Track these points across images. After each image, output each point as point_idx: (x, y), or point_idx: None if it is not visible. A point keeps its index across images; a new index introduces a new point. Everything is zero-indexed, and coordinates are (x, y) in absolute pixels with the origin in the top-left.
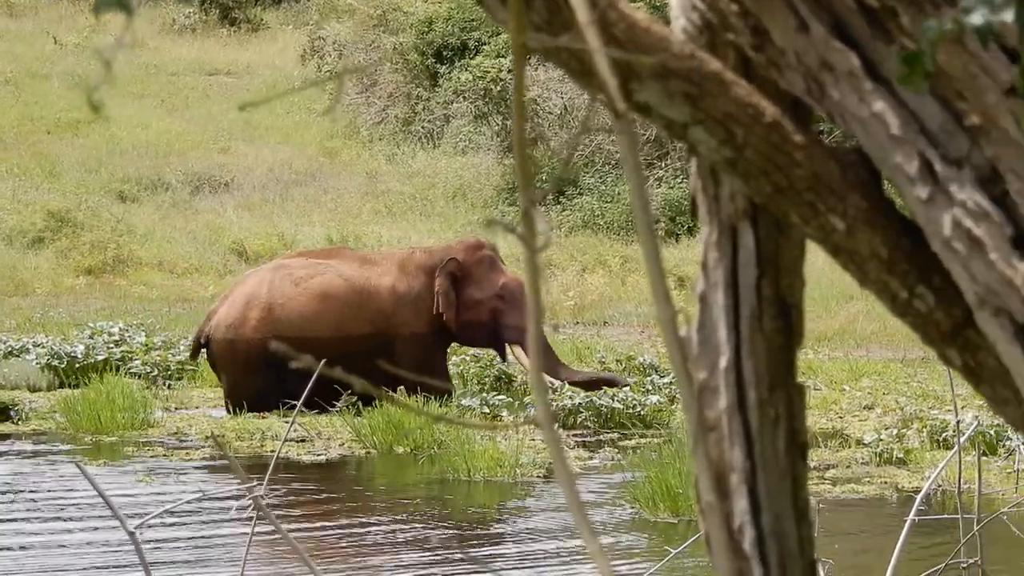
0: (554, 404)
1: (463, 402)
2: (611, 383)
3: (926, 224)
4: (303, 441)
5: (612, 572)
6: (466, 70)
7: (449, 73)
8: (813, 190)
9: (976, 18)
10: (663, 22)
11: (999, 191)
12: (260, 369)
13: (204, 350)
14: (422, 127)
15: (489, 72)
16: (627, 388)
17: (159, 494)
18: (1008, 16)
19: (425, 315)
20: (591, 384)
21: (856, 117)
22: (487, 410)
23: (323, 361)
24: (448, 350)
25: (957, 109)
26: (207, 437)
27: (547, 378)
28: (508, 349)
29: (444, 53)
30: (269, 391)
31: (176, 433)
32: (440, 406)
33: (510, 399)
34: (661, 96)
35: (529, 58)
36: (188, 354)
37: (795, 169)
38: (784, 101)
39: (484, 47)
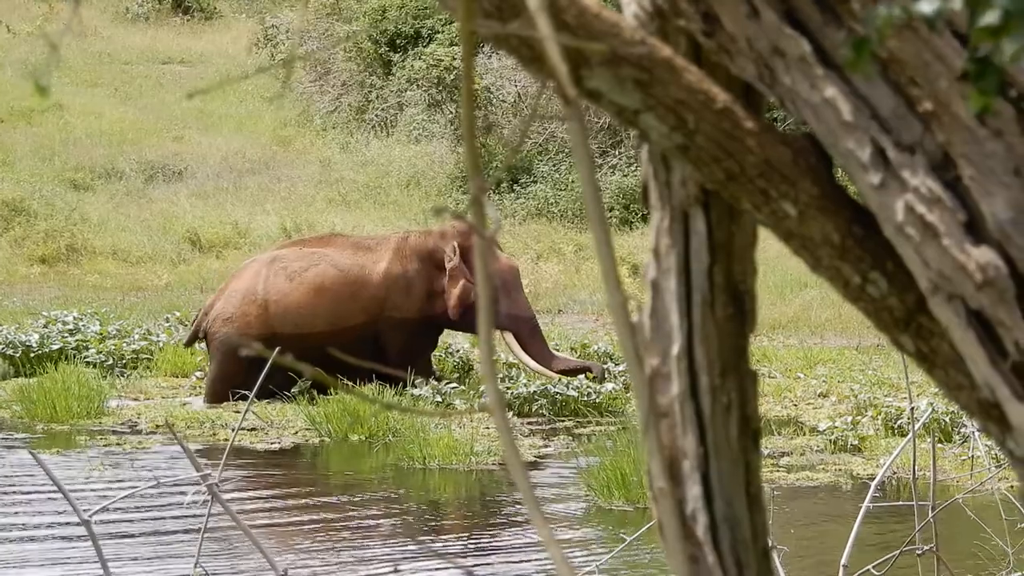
0: (508, 392)
1: (415, 391)
2: (591, 370)
3: (879, 210)
4: (254, 430)
5: (564, 559)
6: (419, 58)
7: (403, 61)
8: (765, 176)
9: (924, 6)
10: (614, 8)
11: (952, 176)
12: (250, 364)
13: (203, 341)
14: (376, 115)
15: (443, 60)
16: (582, 376)
17: (114, 482)
18: (956, 3)
19: (416, 300)
20: (582, 372)
21: (808, 103)
22: (440, 399)
23: (276, 350)
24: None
25: (909, 95)
26: (158, 426)
27: (531, 363)
28: (500, 335)
29: (397, 41)
30: (259, 385)
31: (131, 422)
32: (395, 394)
33: (463, 388)
34: (612, 83)
35: (481, 46)
36: (184, 341)
37: (747, 155)
38: (735, 87)
39: (438, 35)
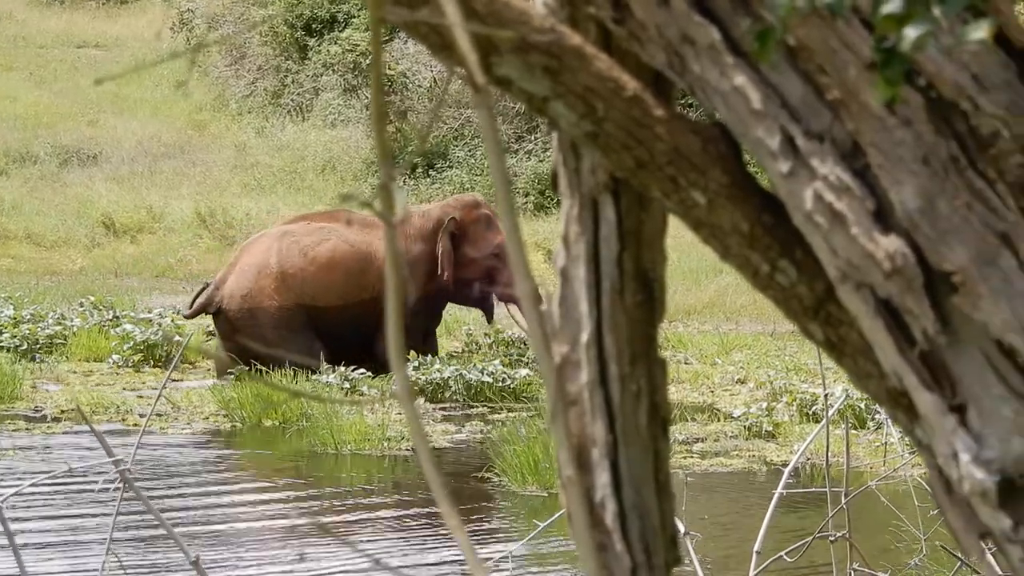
0: (421, 378)
1: (323, 378)
2: None
3: (788, 198)
4: (162, 415)
5: (471, 547)
6: (335, 43)
7: (318, 46)
8: (674, 164)
9: None
10: None
11: (861, 165)
12: (289, 333)
13: (212, 317)
14: (291, 100)
15: (359, 45)
16: (497, 362)
17: (26, 468)
18: None
19: (418, 280)
20: None
21: (717, 91)
22: (347, 385)
23: (189, 337)
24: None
25: (818, 83)
26: (63, 411)
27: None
28: (506, 308)
29: (313, 26)
30: (309, 352)
31: (40, 407)
32: (306, 379)
33: (370, 374)
34: (521, 70)
35: (395, 32)
36: (187, 313)
37: (656, 143)
38: (645, 75)
39: (353, 20)
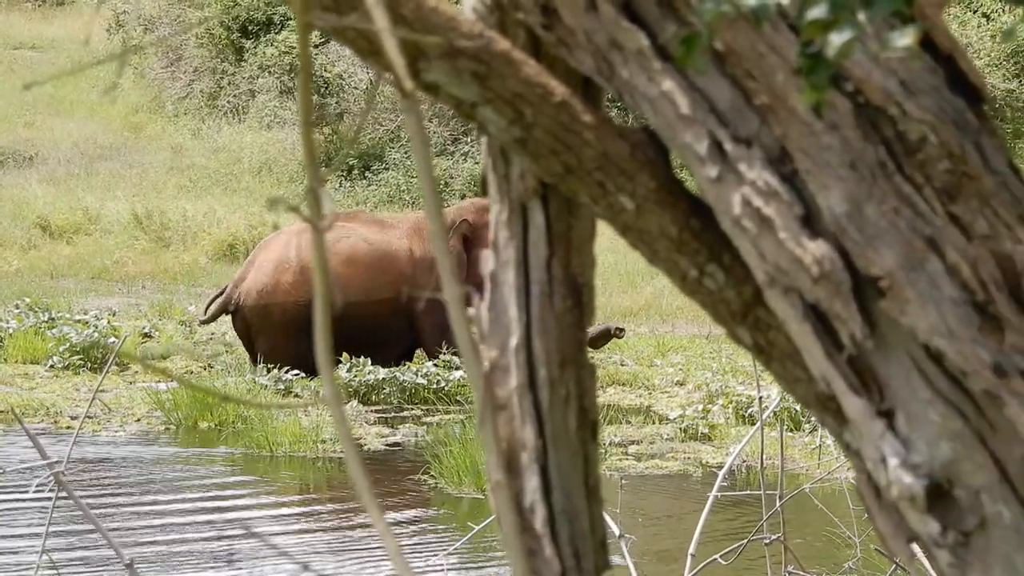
0: (355, 379)
1: (257, 379)
2: (613, 333)
3: (716, 203)
4: (95, 417)
5: (399, 551)
6: (272, 45)
7: (255, 48)
8: (602, 169)
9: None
10: (452, 1)
11: (788, 170)
12: (298, 332)
13: (231, 316)
14: (228, 102)
15: (295, 47)
16: (431, 363)
17: None
18: None
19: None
20: (601, 337)
21: (645, 96)
22: (281, 387)
23: (120, 344)
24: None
25: (746, 88)
26: None
27: None
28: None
29: (249, 28)
30: (309, 353)
31: None
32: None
33: (303, 376)
34: (450, 75)
35: (328, 37)
36: (206, 316)
37: (584, 148)
38: (574, 81)
39: (289, 22)
